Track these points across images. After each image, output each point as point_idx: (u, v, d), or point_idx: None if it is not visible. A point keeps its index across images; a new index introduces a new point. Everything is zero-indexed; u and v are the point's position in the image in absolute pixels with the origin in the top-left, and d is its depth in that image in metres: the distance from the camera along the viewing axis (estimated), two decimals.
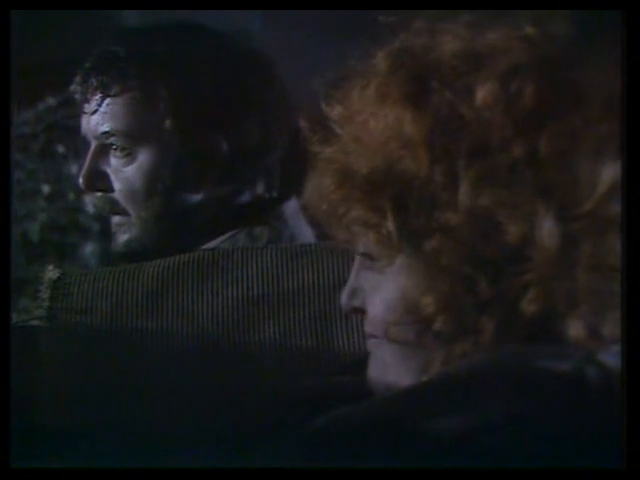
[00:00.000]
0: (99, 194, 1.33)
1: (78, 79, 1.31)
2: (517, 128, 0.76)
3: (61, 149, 2.40)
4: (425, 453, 0.68)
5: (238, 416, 1.00)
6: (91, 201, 1.38)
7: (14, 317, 1.25)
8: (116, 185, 1.31)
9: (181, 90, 1.29)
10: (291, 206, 1.37)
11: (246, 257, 1.12)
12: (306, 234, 1.35)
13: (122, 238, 1.34)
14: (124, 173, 1.30)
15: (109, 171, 1.31)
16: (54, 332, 1.09)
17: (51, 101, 2.37)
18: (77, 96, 1.32)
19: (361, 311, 0.89)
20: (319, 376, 1.02)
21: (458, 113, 0.77)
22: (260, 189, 1.36)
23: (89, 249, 2.37)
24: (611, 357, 0.73)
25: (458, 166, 0.77)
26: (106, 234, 1.46)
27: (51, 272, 1.13)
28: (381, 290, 0.84)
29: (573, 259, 0.75)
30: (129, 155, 1.30)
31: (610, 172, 0.74)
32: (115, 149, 1.30)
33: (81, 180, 1.33)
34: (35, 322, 1.15)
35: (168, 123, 1.28)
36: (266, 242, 1.29)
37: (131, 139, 1.29)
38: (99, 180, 1.32)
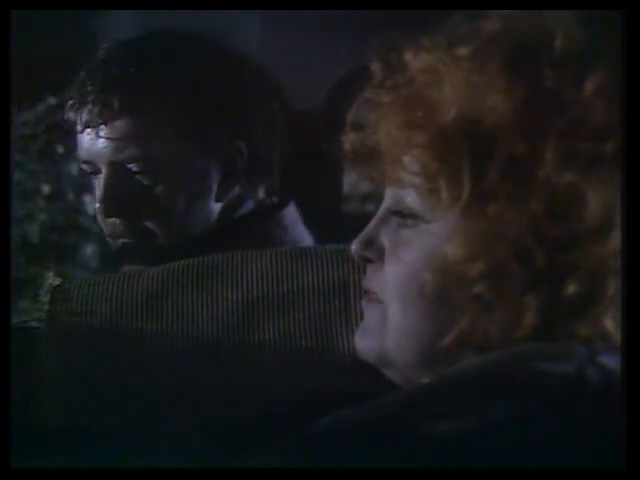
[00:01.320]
0: (116, 220, 1.29)
1: (89, 104, 1.25)
2: (613, 123, 0.76)
3: (61, 150, 2.40)
4: (426, 454, 0.68)
5: (238, 417, 1.00)
6: (104, 226, 1.32)
7: (14, 318, 1.25)
8: (140, 208, 1.28)
9: (195, 102, 1.26)
10: (291, 212, 1.36)
11: (246, 260, 1.12)
12: (306, 240, 1.35)
13: (144, 258, 1.30)
14: (150, 195, 1.27)
15: (130, 195, 1.27)
16: (54, 333, 1.09)
17: (51, 102, 2.37)
18: (87, 117, 1.26)
19: (369, 261, 0.88)
20: (319, 378, 1.02)
21: (559, 94, 0.77)
22: (261, 195, 1.36)
23: (89, 250, 2.37)
24: (612, 358, 0.73)
25: (547, 143, 0.76)
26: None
27: (51, 278, 1.13)
28: (414, 246, 0.83)
29: None
30: (152, 177, 1.26)
31: None
32: (135, 173, 1.26)
33: (98, 206, 1.29)
34: (35, 324, 1.15)
35: (187, 138, 1.26)
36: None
37: (152, 161, 1.26)
38: (119, 205, 1.28)
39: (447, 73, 0.81)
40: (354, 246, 0.89)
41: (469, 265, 0.78)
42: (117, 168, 1.27)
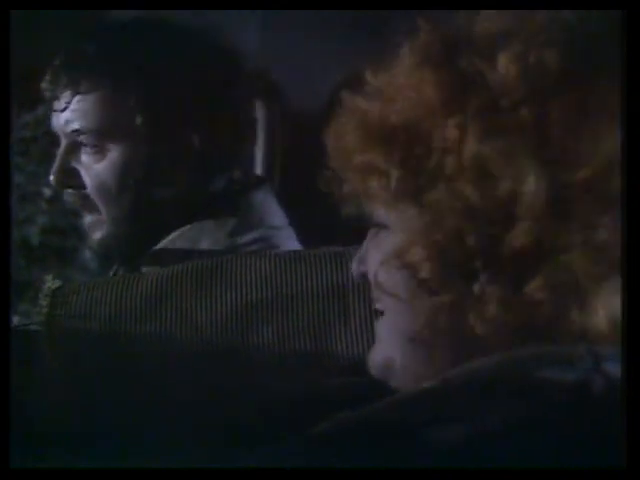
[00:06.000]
0: (71, 191, 1.33)
1: (48, 76, 1.31)
2: (530, 92, 0.77)
3: None
4: (427, 457, 0.68)
5: (238, 419, 1.00)
6: (64, 197, 1.38)
7: (14, 320, 1.25)
8: (87, 182, 1.31)
9: (151, 87, 1.29)
10: (262, 192, 1.37)
11: (245, 263, 1.12)
12: (276, 218, 1.36)
13: (95, 236, 1.34)
14: (95, 170, 1.30)
15: (80, 168, 1.31)
16: (53, 337, 1.09)
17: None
18: (47, 94, 1.32)
19: (367, 276, 0.89)
20: (318, 380, 1.02)
21: (480, 73, 0.79)
22: (232, 179, 1.37)
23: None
24: (615, 362, 0.73)
25: (468, 119, 0.78)
26: None
27: (50, 282, 1.13)
28: (380, 246, 0.85)
29: (567, 233, 0.75)
30: (100, 152, 1.29)
31: (611, 146, 0.75)
32: (85, 146, 1.30)
33: (52, 177, 1.33)
34: (35, 327, 1.15)
35: (138, 120, 1.28)
36: (233, 227, 1.30)
37: (101, 136, 1.29)
38: (70, 177, 1.32)
39: (399, 86, 0.84)
40: (353, 266, 0.91)
41: (411, 251, 0.80)
42: (70, 141, 1.32)
